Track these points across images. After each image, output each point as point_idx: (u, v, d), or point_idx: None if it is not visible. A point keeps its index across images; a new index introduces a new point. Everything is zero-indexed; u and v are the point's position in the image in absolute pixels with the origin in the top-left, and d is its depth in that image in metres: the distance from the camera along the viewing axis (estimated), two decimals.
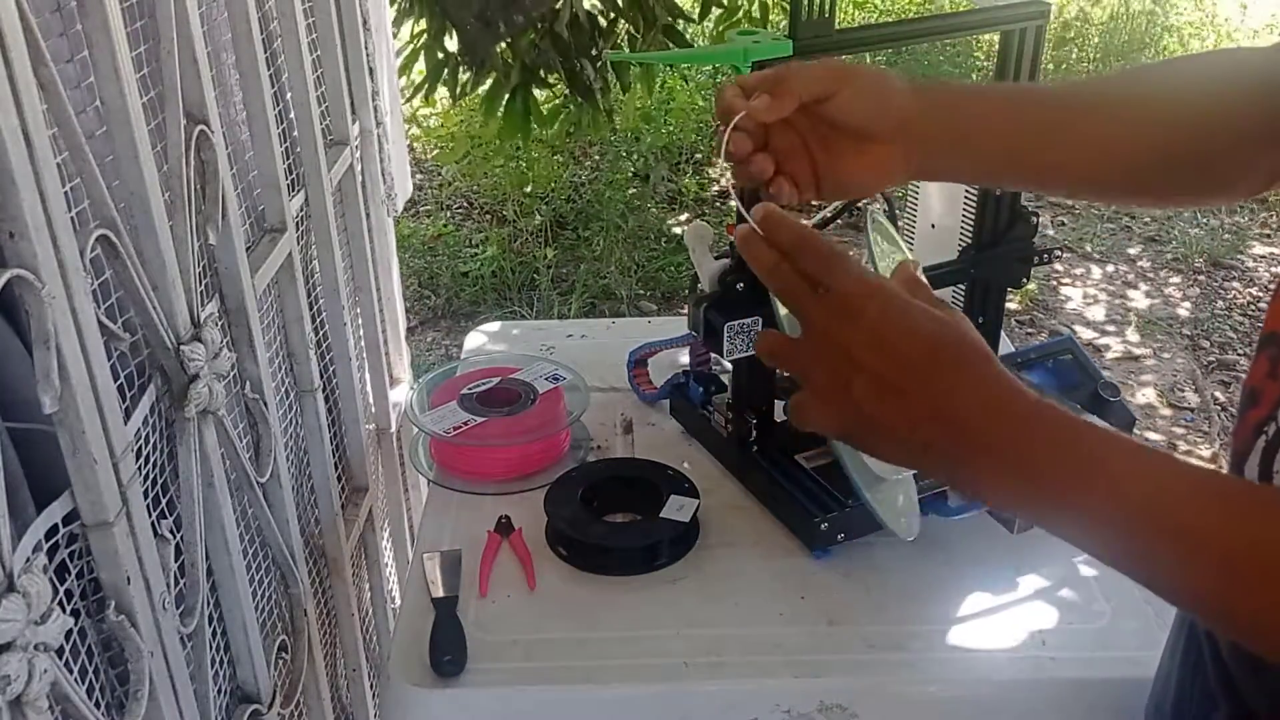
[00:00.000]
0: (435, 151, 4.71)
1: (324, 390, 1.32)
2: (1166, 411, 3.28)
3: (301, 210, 1.27)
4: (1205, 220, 4.35)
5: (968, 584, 1.15)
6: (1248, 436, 0.70)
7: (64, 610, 0.69)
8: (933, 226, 1.34)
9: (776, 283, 0.69)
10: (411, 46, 3.07)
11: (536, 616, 1.11)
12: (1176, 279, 4.01)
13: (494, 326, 1.75)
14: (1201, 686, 0.76)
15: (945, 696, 1.06)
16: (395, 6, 2.90)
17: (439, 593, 1.12)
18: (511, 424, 1.34)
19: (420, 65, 3.17)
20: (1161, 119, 0.87)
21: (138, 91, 0.80)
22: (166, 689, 0.82)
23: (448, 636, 1.06)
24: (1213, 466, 2.76)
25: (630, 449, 1.37)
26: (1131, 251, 4.18)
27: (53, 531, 0.70)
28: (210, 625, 0.94)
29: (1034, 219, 1.28)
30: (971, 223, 1.27)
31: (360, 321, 1.57)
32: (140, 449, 0.82)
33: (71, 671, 0.70)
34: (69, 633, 0.69)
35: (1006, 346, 1.46)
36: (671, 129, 4.70)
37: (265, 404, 1.06)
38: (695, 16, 3.50)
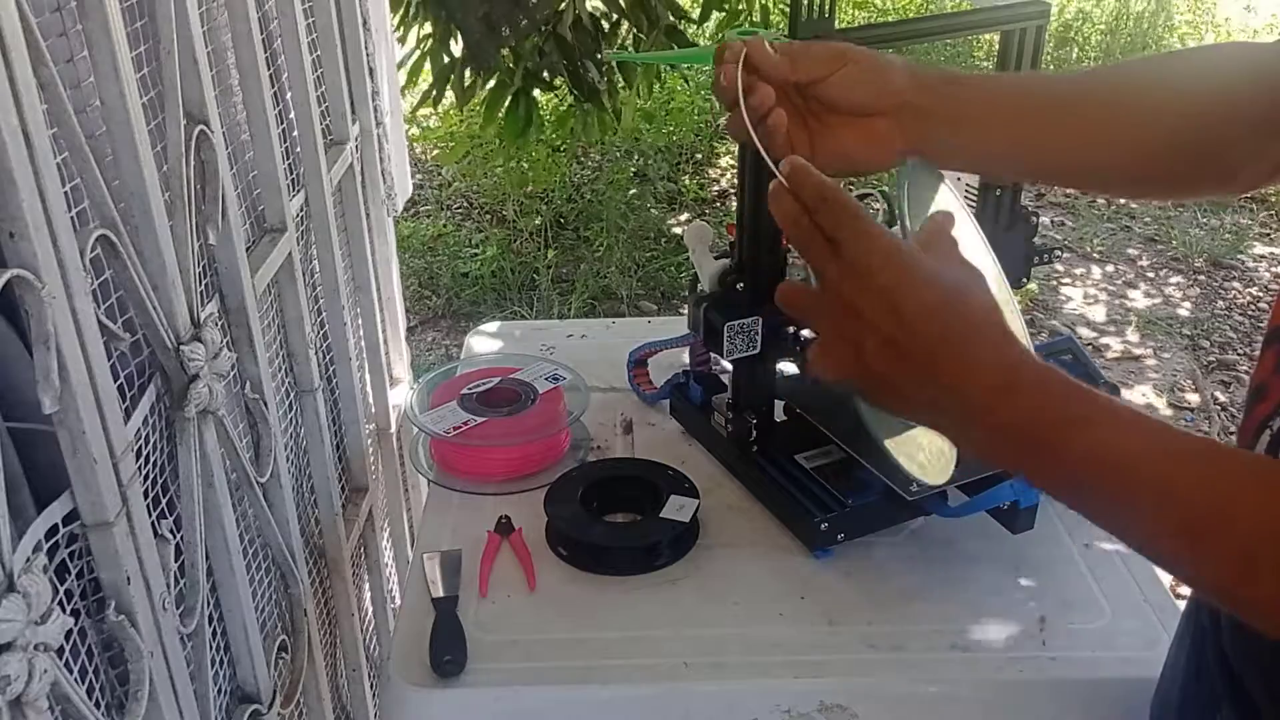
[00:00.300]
0: (435, 151, 4.70)
1: (324, 390, 1.32)
2: (1167, 411, 3.28)
3: (301, 210, 1.27)
4: (1205, 220, 4.35)
5: (968, 584, 1.15)
6: (1254, 431, 0.70)
7: (64, 610, 0.69)
8: None
9: (796, 236, 0.70)
10: (419, 51, 3.06)
11: (536, 616, 1.11)
12: (1176, 279, 4.01)
13: (494, 327, 1.74)
14: (1206, 684, 0.76)
15: (945, 696, 1.06)
16: (400, 12, 2.90)
17: (439, 593, 1.13)
18: (511, 424, 1.34)
19: (427, 70, 3.15)
20: (1171, 107, 0.87)
21: (138, 91, 0.80)
22: (166, 689, 0.82)
23: (448, 636, 1.07)
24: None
25: (630, 449, 1.37)
26: (1132, 251, 4.17)
27: (53, 531, 0.70)
28: (210, 625, 0.94)
29: (1034, 219, 1.28)
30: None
31: (360, 321, 1.57)
32: (140, 449, 0.82)
33: (71, 672, 0.70)
34: (69, 633, 0.69)
35: None
36: (671, 129, 4.70)
37: (265, 404, 1.06)
38: (697, 19, 3.50)
